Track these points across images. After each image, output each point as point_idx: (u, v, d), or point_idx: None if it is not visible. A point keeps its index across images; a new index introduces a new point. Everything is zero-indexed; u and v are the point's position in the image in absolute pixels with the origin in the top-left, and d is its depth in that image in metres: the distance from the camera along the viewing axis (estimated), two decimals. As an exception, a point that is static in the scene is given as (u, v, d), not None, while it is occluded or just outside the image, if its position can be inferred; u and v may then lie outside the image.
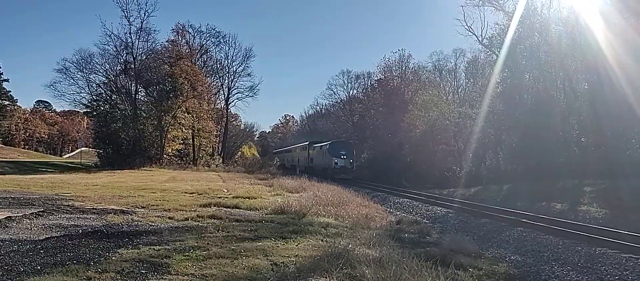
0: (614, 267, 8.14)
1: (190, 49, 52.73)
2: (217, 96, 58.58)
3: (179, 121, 43.06)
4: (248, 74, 59.17)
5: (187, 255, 6.22)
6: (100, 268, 5.32)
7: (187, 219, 9.44)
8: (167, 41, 49.62)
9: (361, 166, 42.87)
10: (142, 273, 5.29)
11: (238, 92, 58.67)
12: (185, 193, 15.58)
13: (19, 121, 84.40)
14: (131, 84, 43.30)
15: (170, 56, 45.20)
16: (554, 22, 26.59)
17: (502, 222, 13.20)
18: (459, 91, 48.40)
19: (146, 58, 43.36)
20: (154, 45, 44.63)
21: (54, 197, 12.32)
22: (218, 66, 57.24)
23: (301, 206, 11.93)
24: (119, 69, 43.33)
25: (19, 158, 55.33)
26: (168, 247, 6.65)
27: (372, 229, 10.13)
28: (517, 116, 27.62)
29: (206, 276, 5.31)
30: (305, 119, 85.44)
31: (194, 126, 45.20)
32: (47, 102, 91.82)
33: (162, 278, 5.16)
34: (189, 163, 44.32)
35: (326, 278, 5.35)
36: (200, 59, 54.42)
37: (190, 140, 46.49)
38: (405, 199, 20.22)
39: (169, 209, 10.70)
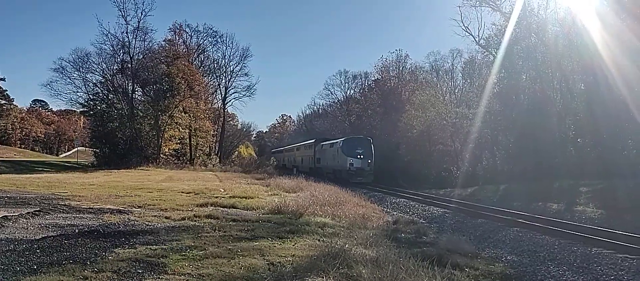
0: (609, 267, 8.18)
1: (188, 48, 52.57)
2: (214, 95, 58.65)
3: (175, 121, 42.92)
4: (245, 73, 59.21)
5: (184, 255, 6.21)
6: (96, 268, 5.30)
7: (183, 218, 9.42)
8: (164, 41, 49.52)
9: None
10: (139, 272, 5.27)
11: (235, 92, 58.57)
12: (182, 192, 15.50)
13: (15, 120, 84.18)
14: (128, 84, 43.16)
15: (168, 56, 44.98)
16: (550, 22, 26.72)
17: (498, 222, 13.23)
18: (456, 91, 48.40)
19: (143, 57, 43.25)
20: (151, 44, 44.62)
21: (51, 196, 12.25)
22: (215, 65, 57.18)
23: (298, 206, 11.89)
24: (116, 69, 43.19)
25: (15, 157, 55.21)
26: (165, 247, 6.63)
27: (369, 229, 10.15)
28: (513, 116, 27.71)
29: (203, 276, 5.30)
30: (303, 119, 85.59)
31: (191, 126, 45.12)
32: (43, 101, 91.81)
33: (159, 278, 5.15)
34: (186, 163, 44.21)
35: (323, 277, 5.35)
36: (197, 58, 54.24)
37: (187, 140, 46.38)
38: (402, 200, 20.21)
39: (166, 209, 10.66)
